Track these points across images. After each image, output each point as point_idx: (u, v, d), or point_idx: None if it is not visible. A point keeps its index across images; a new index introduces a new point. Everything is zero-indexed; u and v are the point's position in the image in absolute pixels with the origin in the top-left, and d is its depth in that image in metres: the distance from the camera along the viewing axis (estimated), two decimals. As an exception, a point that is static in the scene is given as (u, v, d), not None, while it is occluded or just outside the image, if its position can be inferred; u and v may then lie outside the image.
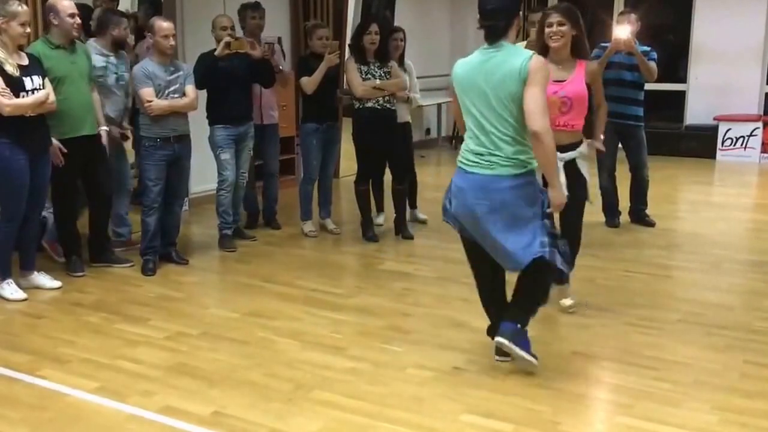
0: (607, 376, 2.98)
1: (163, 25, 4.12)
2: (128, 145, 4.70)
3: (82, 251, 4.24)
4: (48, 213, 4.33)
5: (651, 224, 5.31)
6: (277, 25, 6.16)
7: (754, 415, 2.61)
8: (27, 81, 3.61)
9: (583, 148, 3.35)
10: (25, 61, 3.67)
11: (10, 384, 2.85)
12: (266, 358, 3.08)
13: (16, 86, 3.55)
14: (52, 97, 3.71)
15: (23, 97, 3.58)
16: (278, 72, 4.94)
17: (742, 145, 8.14)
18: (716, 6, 8.22)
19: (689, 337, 3.31)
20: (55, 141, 3.84)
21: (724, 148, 8.22)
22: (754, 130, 8.07)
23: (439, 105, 8.76)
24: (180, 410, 2.63)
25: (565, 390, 2.80)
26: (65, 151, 3.87)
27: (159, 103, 4.10)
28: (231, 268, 4.42)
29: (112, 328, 3.40)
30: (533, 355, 2.81)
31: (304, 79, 4.79)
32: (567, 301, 3.55)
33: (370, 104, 4.75)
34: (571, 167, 3.29)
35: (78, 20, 3.88)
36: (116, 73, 4.34)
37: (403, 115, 5.06)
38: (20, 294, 3.74)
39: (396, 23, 8.58)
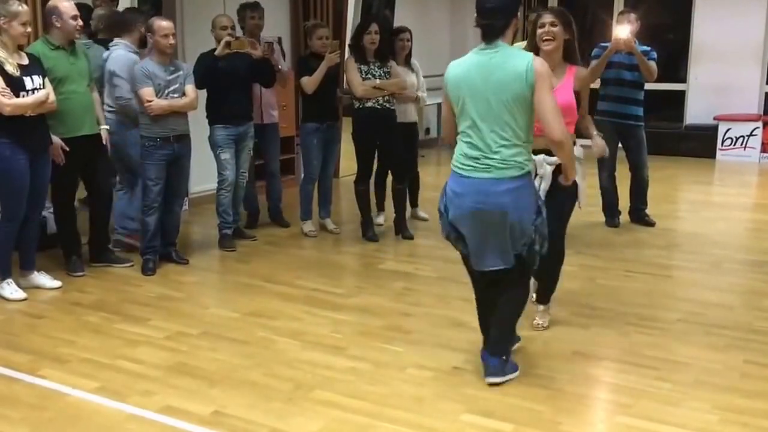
0: (607, 375, 2.98)
1: (162, 24, 4.12)
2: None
3: (81, 251, 4.24)
4: (48, 213, 4.33)
5: (651, 224, 5.31)
6: (277, 25, 6.16)
7: (754, 414, 2.62)
8: (27, 81, 3.61)
9: (576, 151, 3.14)
10: (26, 61, 3.67)
11: (10, 384, 2.85)
12: (266, 357, 3.08)
13: (16, 86, 3.55)
14: (52, 97, 3.71)
15: (23, 96, 3.58)
16: (278, 71, 4.94)
17: (742, 144, 8.14)
18: (716, 6, 8.22)
19: (689, 337, 3.31)
20: (57, 139, 3.84)
21: (724, 147, 8.22)
22: (754, 129, 8.07)
23: (438, 105, 8.75)
24: (180, 410, 2.63)
25: (566, 390, 2.80)
26: (67, 149, 3.87)
27: (159, 103, 4.10)
28: (231, 267, 4.42)
29: (112, 328, 3.40)
30: (517, 367, 2.91)
31: (304, 79, 4.79)
32: (539, 321, 3.41)
33: (369, 104, 4.75)
34: (555, 174, 3.11)
35: (80, 22, 3.87)
36: None
37: (411, 114, 5.06)
38: (20, 294, 3.74)
39: (396, 23, 8.58)
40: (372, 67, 4.76)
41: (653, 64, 5.01)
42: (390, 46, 5.10)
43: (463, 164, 2.67)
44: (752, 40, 8.13)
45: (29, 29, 3.66)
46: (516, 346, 3.06)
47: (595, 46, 5.21)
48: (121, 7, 6.06)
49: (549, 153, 2.96)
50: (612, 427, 2.58)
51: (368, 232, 4.93)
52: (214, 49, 4.52)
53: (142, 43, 4.48)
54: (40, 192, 3.82)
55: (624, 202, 5.39)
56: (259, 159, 5.27)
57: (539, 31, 3.11)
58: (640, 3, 8.15)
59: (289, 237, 5.04)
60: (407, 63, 5.07)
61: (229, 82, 4.55)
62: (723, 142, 8.21)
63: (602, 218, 5.36)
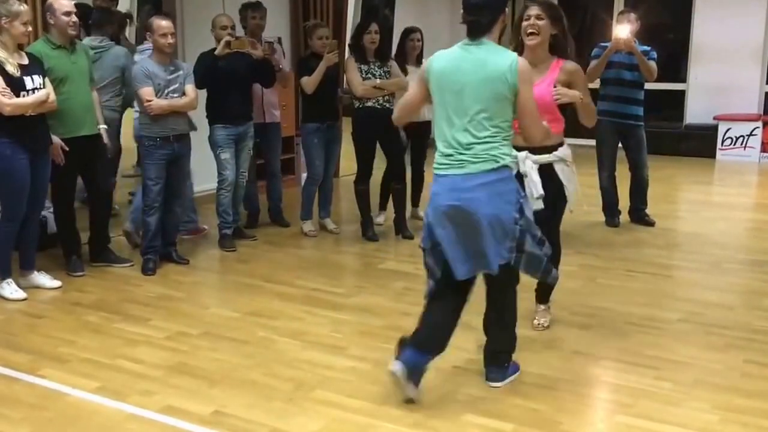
0: (607, 375, 2.98)
1: (161, 23, 4.11)
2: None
3: (81, 251, 4.24)
4: (48, 213, 4.33)
5: (651, 224, 5.31)
6: (277, 25, 6.16)
7: (754, 414, 2.62)
8: (27, 80, 3.61)
9: (561, 151, 3.04)
10: (26, 61, 3.67)
11: (10, 384, 2.85)
12: (267, 357, 3.08)
13: (16, 86, 3.55)
14: (52, 97, 3.71)
15: (24, 96, 3.58)
16: (278, 71, 4.94)
17: (741, 144, 8.14)
18: (716, 5, 8.22)
19: (690, 337, 3.32)
20: (57, 139, 3.84)
21: (723, 147, 8.22)
22: (754, 129, 8.07)
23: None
24: (180, 410, 2.63)
25: (566, 389, 2.80)
26: (67, 149, 3.87)
27: (158, 103, 4.10)
28: (231, 267, 4.42)
29: (112, 328, 3.40)
30: (518, 367, 2.89)
31: (304, 79, 4.79)
32: (540, 321, 3.38)
33: (369, 104, 4.75)
34: (547, 176, 2.99)
35: (74, 19, 3.86)
36: None
37: (423, 113, 5.07)
38: (20, 294, 3.74)
39: (396, 23, 8.58)
40: (372, 66, 4.76)
41: (653, 64, 5.01)
42: (401, 47, 5.11)
43: (441, 164, 2.57)
44: (752, 39, 8.13)
45: (30, 29, 3.66)
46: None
47: (595, 46, 5.21)
48: (120, 7, 6.08)
49: (532, 150, 2.91)
50: (612, 427, 2.58)
51: (368, 231, 4.93)
52: (214, 49, 4.51)
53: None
54: (40, 192, 3.82)
55: (624, 201, 5.39)
56: (260, 158, 5.26)
57: (524, 23, 2.95)
58: (640, 3, 8.15)
59: (289, 237, 5.03)
60: (418, 63, 5.05)
61: (229, 81, 4.55)
62: (723, 141, 8.21)
63: (602, 218, 5.36)
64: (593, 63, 5.13)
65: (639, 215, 5.37)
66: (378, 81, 4.73)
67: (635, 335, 3.33)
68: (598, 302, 3.76)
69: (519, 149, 2.86)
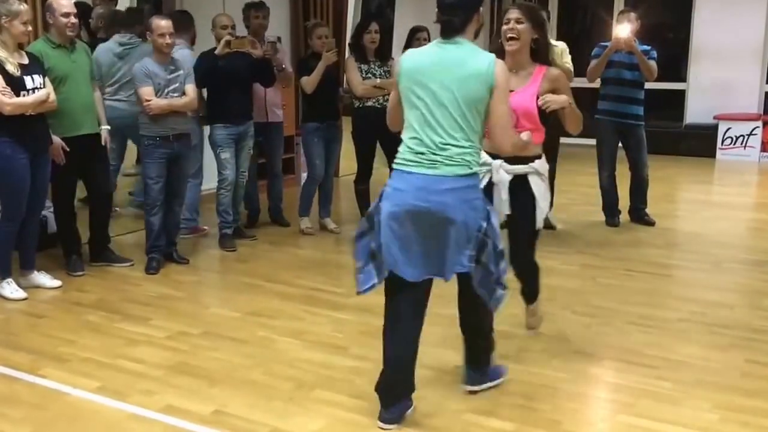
0: (608, 375, 2.98)
1: (160, 23, 4.11)
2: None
3: (81, 250, 4.24)
4: (48, 212, 4.33)
5: (651, 223, 5.31)
6: (276, 25, 6.15)
7: (755, 413, 2.62)
8: (27, 80, 3.60)
9: (538, 164, 2.87)
10: (26, 60, 3.67)
11: (10, 383, 2.85)
12: (267, 357, 3.08)
13: (16, 85, 3.55)
14: (52, 96, 3.71)
15: (24, 96, 3.57)
16: (281, 71, 4.94)
17: (742, 144, 8.15)
18: (716, 5, 8.22)
19: (690, 336, 3.32)
20: (57, 139, 3.84)
21: (724, 147, 8.23)
22: (754, 129, 8.08)
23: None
24: (181, 409, 2.63)
25: (567, 389, 2.80)
26: (68, 149, 3.87)
27: (158, 102, 4.10)
28: (231, 267, 4.42)
29: (112, 328, 3.40)
30: (503, 373, 2.83)
31: (304, 79, 4.79)
32: (532, 321, 3.24)
33: (369, 103, 4.75)
34: (520, 186, 2.84)
35: (72, 20, 3.86)
36: None
37: None
38: (20, 293, 3.74)
39: (396, 22, 8.57)
40: (372, 66, 4.76)
41: (653, 64, 5.02)
42: (408, 46, 5.10)
43: (408, 160, 2.42)
44: (752, 39, 8.13)
45: (30, 28, 3.66)
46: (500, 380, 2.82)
47: (596, 46, 5.22)
48: (120, 6, 6.07)
49: (507, 159, 2.78)
50: (613, 426, 2.58)
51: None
52: (215, 48, 4.51)
53: (193, 42, 4.84)
54: (41, 191, 3.82)
55: (624, 201, 5.39)
56: (262, 158, 5.26)
57: (503, 27, 2.81)
58: (641, 2, 8.15)
59: (289, 236, 5.03)
60: None
61: (229, 81, 4.55)
62: (723, 141, 8.22)
63: (602, 217, 5.36)
64: (593, 62, 5.13)
65: (639, 215, 5.38)
66: (378, 80, 4.73)
67: (636, 335, 3.33)
68: (599, 302, 3.76)
69: (494, 157, 2.78)
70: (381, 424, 2.50)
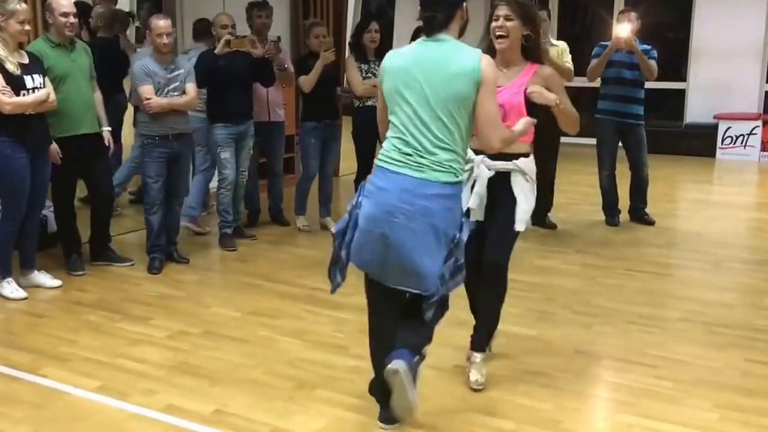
0: (608, 374, 2.98)
1: (159, 23, 4.11)
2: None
3: (82, 250, 4.24)
4: (49, 211, 4.33)
5: (650, 223, 5.31)
6: (277, 25, 6.15)
7: (755, 412, 2.62)
8: (27, 79, 3.60)
9: (523, 163, 2.71)
10: (26, 60, 3.67)
11: (11, 383, 2.85)
12: (268, 356, 3.08)
13: (16, 84, 3.55)
14: (52, 96, 3.70)
15: (24, 95, 3.57)
16: (283, 70, 4.95)
17: (742, 143, 8.15)
18: (716, 4, 8.22)
19: (690, 336, 3.32)
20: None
21: (724, 146, 8.23)
22: (754, 128, 8.08)
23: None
24: (182, 409, 2.63)
25: (567, 388, 2.80)
26: (60, 154, 3.86)
27: (157, 101, 4.10)
28: (232, 266, 4.42)
29: (113, 327, 3.40)
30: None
31: (302, 78, 4.80)
32: (477, 377, 2.78)
33: (369, 103, 4.74)
34: (502, 186, 2.71)
35: (72, 19, 3.85)
36: None
37: None
38: (20, 293, 3.74)
39: (396, 22, 8.57)
40: (372, 66, 4.76)
41: (653, 63, 5.02)
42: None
43: (393, 159, 2.33)
44: (752, 38, 8.14)
45: (27, 27, 3.64)
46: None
47: (596, 45, 5.22)
48: (120, 6, 6.07)
49: (490, 155, 2.66)
50: (613, 426, 2.58)
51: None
52: (215, 48, 4.51)
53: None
54: (40, 191, 3.82)
55: (624, 200, 5.39)
56: (262, 157, 5.26)
57: (492, 24, 2.69)
58: (641, 2, 8.16)
59: (289, 236, 5.04)
60: None
61: (229, 80, 4.54)
62: (723, 140, 8.22)
63: (602, 217, 5.36)
64: (594, 62, 5.14)
65: (639, 214, 5.38)
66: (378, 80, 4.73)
67: (636, 334, 3.33)
68: (599, 301, 3.76)
69: (478, 152, 2.69)
70: (381, 425, 2.50)
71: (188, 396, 2.73)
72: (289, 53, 5.54)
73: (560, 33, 8.53)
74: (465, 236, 2.38)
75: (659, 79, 5.41)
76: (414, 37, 5.15)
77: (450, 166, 2.32)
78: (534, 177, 2.75)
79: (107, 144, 4.17)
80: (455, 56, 2.31)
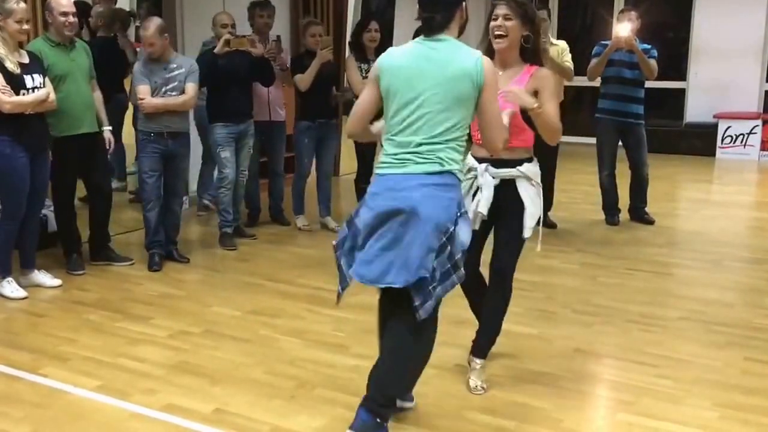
0: (608, 373, 2.98)
1: (146, 34, 4.09)
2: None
3: (82, 249, 4.24)
4: (49, 211, 4.33)
5: (650, 222, 5.32)
6: (276, 24, 6.15)
7: (754, 411, 2.62)
8: (27, 79, 3.60)
9: (527, 168, 2.68)
10: (26, 59, 3.67)
11: (11, 382, 2.85)
12: (268, 356, 3.09)
13: (16, 84, 3.55)
14: (52, 96, 3.70)
15: (23, 95, 3.57)
16: (284, 70, 4.95)
17: (741, 142, 8.15)
18: (716, 4, 8.23)
19: (690, 335, 3.32)
20: None
21: (723, 145, 8.23)
22: (754, 127, 8.08)
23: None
24: (182, 408, 2.63)
25: (567, 387, 2.81)
26: (50, 159, 3.86)
27: (149, 102, 4.13)
28: (232, 266, 4.42)
29: (113, 327, 3.40)
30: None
31: (298, 77, 4.80)
32: (476, 383, 2.76)
33: (370, 102, 4.74)
34: (508, 192, 2.67)
35: (71, 19, 3.85)
36: None
37: None
38: (21, 292, 3.74)
39: (396, 21, 8.56)
40: (372, 65, 4.75)
41: (654, 62, 5.02)
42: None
43: (383, 162, 2.32)
44: (752, 38, 8.14)
45: (26, 26, 3.63)
46: (408, 404, 2.57)
47: (596, 44, 5.22)
48: (119, 5, 6.07)
49: (494, 163, 2.63)
50: (613, 424, 2.58)
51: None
52: (214, 47, 4.51)
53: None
54: (40, 190, 3.82)
55: (624, 200, 5.39)
56: (263, 156, 5.26)
57: (491, 24, 2.65)
58: (641, 1, 8.16)
59: (289, 235, 5.04)
60: None
61: (229, 80, 4.55)
62: (723, 140, 8.22)
63: (602, 216, 5.37)
64: (594, 61, 5.14)
65: (639, 213, 5.38)
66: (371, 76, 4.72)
67: (636, 333, 3.33)
68: (599, 300, 3.76)
69: (480, 161, 2.66)
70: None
71: (189, 395, 2.73)
72: (289, 52, 5.55)
73: (560, 32, 8.53)
74: (463, 234, 2.28)
75: (659, 78, 5.42)
76: (415, 36, 5.17)
77: (435, 156, 2.26)
78: (539, 181, 2.72)
79: (108, 143, 4.17)
80: (455, 56, 2.28)
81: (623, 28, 4.91)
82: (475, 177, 2.68)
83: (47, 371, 2.92)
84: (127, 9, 6.61)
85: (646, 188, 5.37)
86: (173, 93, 4.18)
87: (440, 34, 2.32)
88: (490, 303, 2.79)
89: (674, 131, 8.43)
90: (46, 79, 3.72)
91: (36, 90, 3.62)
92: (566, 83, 4.94)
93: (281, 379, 2.87)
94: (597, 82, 5.34)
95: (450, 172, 2.28)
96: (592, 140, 5.45)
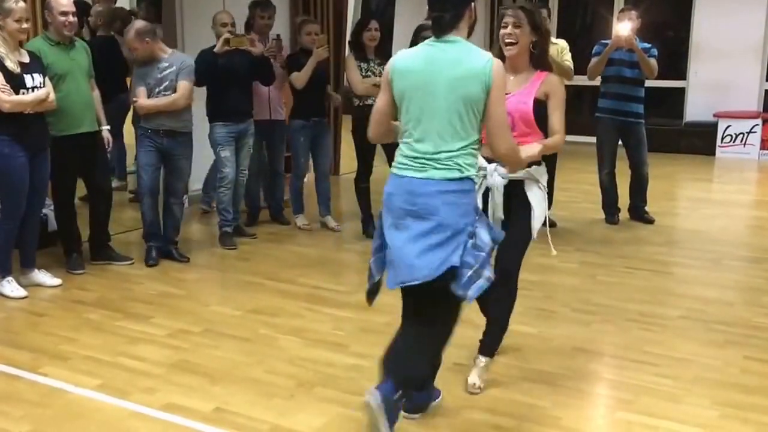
0: (608, 372, 2.99)
1: (125, 38, 4.14)
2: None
3: (82, 248, 4.24)
4: (49, 210, 4.33)
5: (650, 221, 5.32)
6: (276, 23, 6.14)
7: (754, 410, 2.62)
8: (27, 78, 3.60)
9: (535, 170, 2.73)
10: (26, 59, 3.67)
11: (11, 381, 2.85)
12: (268, 355, 3.09)
13: (16, 83, 3.55)
14: (52, 96, 3.71)
15: (23, 94, 3.57)
16: (284, 68, 4.95)
17: (741, 141, 8.15)
18: (716, 3, 8.23)
19: (690, 334, 3.32)
20: None
21: (723, 144, 8.23)
22: (754, 126, 8.08)
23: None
24: (182, 407, 2.63)
25: (567, 386, 2.81)
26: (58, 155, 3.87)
27: (141, 104, 4.18)
28: (232, 265, 4.43)
29: (113, 326, 3.41)
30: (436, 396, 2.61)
31: (294, 75, 4.81)
32: (474, 380, 2.79)
33: (369, 101, 4.73)
34: (515, 193, 2.72)
35: (70, 18, 3.85)
36: None
37: None
38: (21, 292, 3.74)
39: (396, 20, 8.56)
40: (372, 64, 4.76)
41: (654, 62, 5.02)
42: (414, 44, 5.09)
43: (400, 163, 2.36)
44: (752, 37, 8.14)
45: (25, 25, 3.63)
46: (434, 402, 2.61)
47: (596, 44, 5.22)
48: (119, 4, 6.07)
49: (503, 164, 2.64)
50: (612, 423, 2.58)
51: (369, 228, 4.93)
52: (214, 46, 4.51)
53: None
54: (40, 190, 3.82)
55: (624, 199, 5.39)
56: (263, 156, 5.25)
57: (501, 31, 2.71)
58: (641, 0, 8.15)
59: (289, 235, 5.04)
60: None
61: (228, 79, 4.55)
62: (723, 139, 8.22)
63: (602, 215, 5.37)
64: (594, 60, 5.14)
65: (639, 212, 5.38)
66: (378, 79, 4.72)
67: (635, 332, 3.33)
68: (599, 299, 3.76)
69: (490, 161, 2.66)
70: (403, 413, 2.46)
71: (188, 394, 2.73)
72: (289, 51, 5.55)
73: (560, 31, 8.52)
74: (485, 235, 2.32)
75: (659, 77, 5.41)
76: (414, 36, 5.21)
77: (454, 162, 2.30)
78: (545, 184, 2.76)
79: (106, 143, 4.18)
80: (465, 57, 2.29)
81: (623, 27, 4.91)
82: (484, 176, 2.71)
83: (47, 370, 2.92)
84: (128, 8, 6.60)
85: (646, 187, 5.37)
86: (167, 93, 4.20)
87: (450, 34, 2.33)
88: (495, 303, 2.79)
89: (674, 130, 8.43)
90: (46, 78, 3.72)
91: (36, 89, 3.62)
92: (566, 83, 4.93)
93: (281, 378, 2.87)
94: (597, 81, 5.34)
95: (468, 178, 2.33)
96: (592, 139, 5.45)
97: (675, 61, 8.69)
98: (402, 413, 2.49)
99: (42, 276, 3.91)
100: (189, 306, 3.69)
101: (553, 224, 5.09)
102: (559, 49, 4.86)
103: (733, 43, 8.14)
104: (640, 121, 5.23)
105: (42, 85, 3.66)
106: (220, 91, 4.60)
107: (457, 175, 2.30)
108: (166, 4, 5.54)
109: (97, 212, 4.28)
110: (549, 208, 5.47)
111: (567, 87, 2.90)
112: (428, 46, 2.36)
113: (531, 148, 2.59)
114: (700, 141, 8.29)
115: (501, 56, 2.67)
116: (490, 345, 2.85)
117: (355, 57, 4.77)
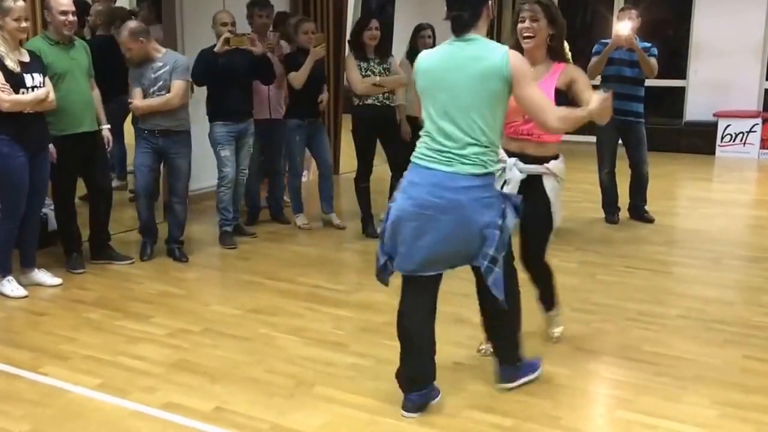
0: (607, 371, 2.99)
1: (119, 39, 4.17)
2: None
3: (82, 248, 4.25)
4: (49, 210, 4.34)
5: (650, 220, 5.32)
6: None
7: (753, 409, 2.63)
8: (27, 78, 3.61)
9: (554, 165, 2.85)
10: (26, 58, 3.67)
11: (11, 381, 2.86)
12: (268, 354, 3.09)
13: (16, 82, 3.55)
14: (51, 96, 3.71)
15: (23, 93, 3.58)
16: (283, 66, 4.95)
17: (741, 141, 8.16)
18: (716, 2, 8.23)
19: (689, 333, 3.33)
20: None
21: (723, 144, 8.24)
22: (754, 126, 8.08)
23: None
24: (182, 406, 2.63)
25: (566, 385, 2.81)
26: (57, 154, 3.87)
27: (136, 105, 4.22)
28: (232, 264, 4.43)
29: (113, 325, 3.41)
30: (537, 368, 2.82)
31: (292, 74, 4.81)
32: (555, 331, 3.22)
33: (369, 101, 4.75)
34: (534, 186, 2.81)
35: (70, 18, 3.85)
36: None
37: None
38: (21, 291, 3.74)
39: (396, 19, 8.56)
40: (372, 63, 4.76)
41: (654, 61, 5.02)
42: (412, 44, 5.11)
43: (424, 155, 2.43)
44: (752, 36, 8.14)
45: (23, 25, 3.63)
46: (433, 401, 2.65)
47: (596, 43, 5.22)
48: (118, 3, 6.07)
49: (522, 158, 2.80)
50: (612, 422, 2.59)
51: (369, 228, 4.94)
52: (214, 46, 4.52)
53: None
54: (40, 189, 3.82)
55: (624, 198, 5.40)
56: (263, 155, 5.25)
57: (519, 25, 2.80)
58: (641, -1, 8.16)
59: (289, 234, 5.04)
60: None
61: (228, 78, 4.55)
62: (722, 138, 8.23)
63: (602, 215, 5.37)
64: (594, 60, 5.13)
65: (638, 212, 5.38)
66: (378, 78, 4.73)
67: (635, 331, 3.34)
68: (598, 298, 3.77)
69: (510, 155, 2.77)
70: (403, 413, 2.54)
71: (188, 393, 2.73)
72: (289, 49, 5.55)
73: (560, 31, 8.53)
74: (510, 221, 2.45)
75: (659, 76, 5.41)
76: (414, 34, 5.20)
77: (478, 158, 2.38)
78: (563, 177, 2.88)
79: (107, 142, 4.18)
80: (484, 54, 2.37)
81: (623, 27, 4.91)
82: (503, 169, 2.78)
83: (47, 370, 2.93)
84: (128, 8, 6.60)
85: (646, 186, 5.37)
86: (161, 93, 4.21)
87: (469, 32, 2.40)
88: (539, 279, 3.04)
89: (674, 129, 8.44)
90: (46, 78, 3.72)
91: (36, 89, 3.62)
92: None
93: (280, 377, 2.87)
94: (597, 81, 5.33)
95: (492, 174, 2.44)
96: (592, 138, 5.45)
97: (675, 61, 8.70)
98: (402, 412, 2.52)
99: (42, 275, 3.92)
100: (189, 305, 3.69)
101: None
102: (559, 48, 4.86)
103: (733, 43, 8.14)
104: (640, 120, 5.23)
105: (42, 85, 3.66)
106: (220, 90, 4.60)
107: (482, 170, 2.39)
108: (166, 4, 5.54)
109: (97, 212, 4.29)
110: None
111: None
112: (449, 45, 2.46)
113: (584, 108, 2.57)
114: (700, 140, 8.29)
115: (518, 48, 2.73)
116: (547, 301, 3.15)
117: (355, 56, 4.77)
